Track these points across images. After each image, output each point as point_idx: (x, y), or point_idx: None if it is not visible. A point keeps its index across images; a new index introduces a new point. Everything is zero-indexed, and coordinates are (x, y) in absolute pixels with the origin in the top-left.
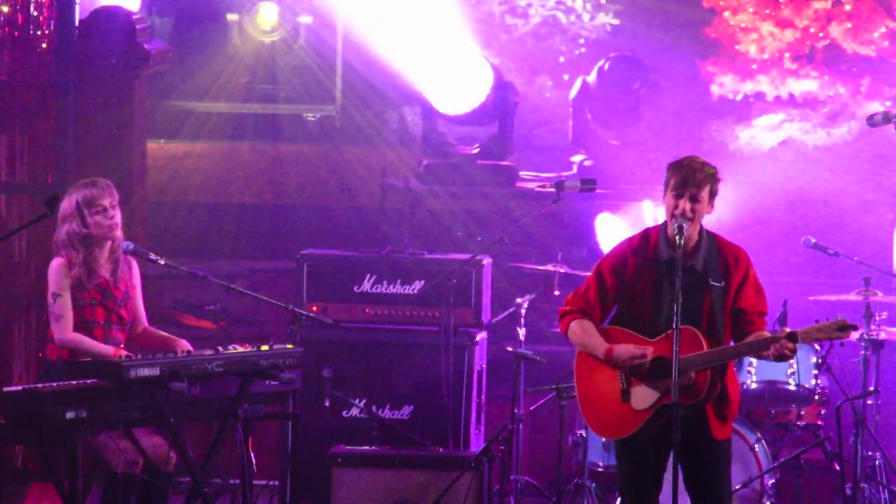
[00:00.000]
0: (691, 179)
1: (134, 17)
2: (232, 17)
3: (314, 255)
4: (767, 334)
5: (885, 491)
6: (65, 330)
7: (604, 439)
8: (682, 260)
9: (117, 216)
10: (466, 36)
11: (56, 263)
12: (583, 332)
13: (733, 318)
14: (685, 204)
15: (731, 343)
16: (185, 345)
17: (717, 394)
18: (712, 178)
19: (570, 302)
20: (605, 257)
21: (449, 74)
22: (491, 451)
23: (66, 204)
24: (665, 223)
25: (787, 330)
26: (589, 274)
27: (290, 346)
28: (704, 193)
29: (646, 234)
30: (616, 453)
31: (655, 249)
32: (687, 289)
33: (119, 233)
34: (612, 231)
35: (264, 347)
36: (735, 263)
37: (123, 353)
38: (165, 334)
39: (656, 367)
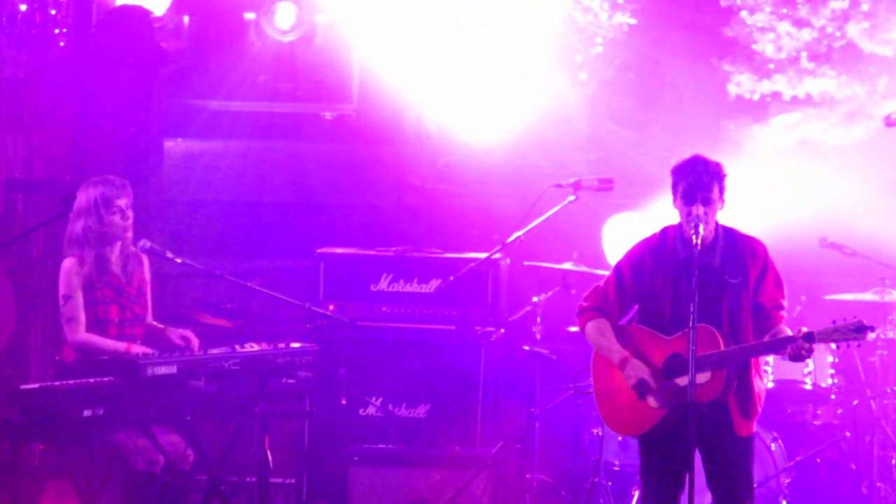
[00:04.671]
0: (699, 184)
1: (151, 15)
2: (249, 16)
3: (331, 253)
4: (786, 332)
5: None
6: (77, 332)
7: (620, 438)
8: (699, 257)
9: (131, 217)
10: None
11: (66, 265)
12: (599, 333)
13: (754, 314)
14: (698, 210)
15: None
16: (175, 334)
17: (733, 391)
18: (719, 176)
19: (589, 298)
20: (625, 256)
21: (472, 103)
22: (507, 450)
23: (84, 199)
24: (681, 222)
25: (805, 329)
26: (608, 272)
27: (306, 344)
28: (714, 194)
29: (664, 233)
30: (639, 449)
31: (673, 248)
32: (704, 286)
33: (130, 233)
34: (622, 235)
35: (281, 346)
36: (752, 258)
37: (138, 347)
38: (161, 326)
39: (673, 365)
